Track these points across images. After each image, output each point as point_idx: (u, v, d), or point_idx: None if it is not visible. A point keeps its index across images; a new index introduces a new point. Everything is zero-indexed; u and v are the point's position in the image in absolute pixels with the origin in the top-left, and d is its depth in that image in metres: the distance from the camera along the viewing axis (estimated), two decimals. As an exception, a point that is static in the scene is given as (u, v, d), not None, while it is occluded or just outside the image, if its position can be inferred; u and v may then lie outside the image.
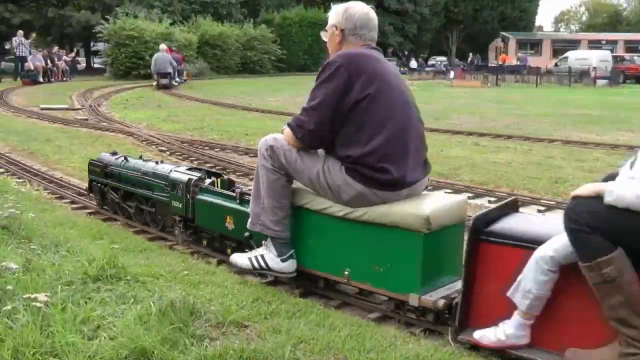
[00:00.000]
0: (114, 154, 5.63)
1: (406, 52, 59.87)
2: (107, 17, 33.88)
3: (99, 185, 5.54)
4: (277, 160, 3.56)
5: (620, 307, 2.54)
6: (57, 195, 6.23)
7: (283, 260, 3.65)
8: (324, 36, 3.70)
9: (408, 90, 3.64)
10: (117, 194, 5.32)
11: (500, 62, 46.00)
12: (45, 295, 2.83)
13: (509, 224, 3.07)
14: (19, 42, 28.07)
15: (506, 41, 56.34)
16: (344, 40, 3.59)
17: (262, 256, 3.70)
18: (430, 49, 66.10)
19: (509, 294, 2.85)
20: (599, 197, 2.54)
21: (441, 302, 3.13)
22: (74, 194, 6.28)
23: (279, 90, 25.89)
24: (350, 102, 3.33)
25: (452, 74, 37.97)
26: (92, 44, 49.17)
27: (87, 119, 14.14)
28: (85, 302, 3.08)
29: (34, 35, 31.74)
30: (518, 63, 45.09)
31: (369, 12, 3.65)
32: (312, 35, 47.44)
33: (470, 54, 54.65)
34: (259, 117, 15.56)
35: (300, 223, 3.69)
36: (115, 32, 31.73)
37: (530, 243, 2.84)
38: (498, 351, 2.90)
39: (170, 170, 4.76)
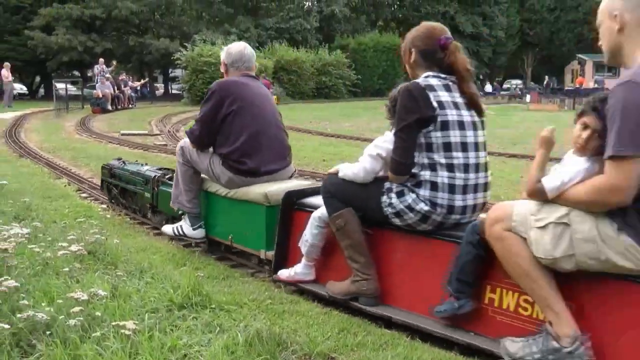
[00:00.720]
0: (119, 159, 7.04)
1: (481, 76, 59.26)
2: (185, 44, 34.89)
3: (107, 183, 6.97)
4: (186, 157, 4.95)
5: (348, 248, 3.66)
6: (138, 221, 6.32)
7: (194, 229, 4.99)
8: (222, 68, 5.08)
9: (270, 106, 4.98)
10: (117, 189, 6.70)
11: (576, 85, 44.92)
12: (133, 323, 2.83)
13: (312, 198, 4.21)
14: (100, 70, 29.01)
15: (582, 63, 54.93)
16: (228, 71, 5.01)
17: (180, 226, 5.06)
18: (505, 72, 65.19)
19: (299, 244, 3.99)
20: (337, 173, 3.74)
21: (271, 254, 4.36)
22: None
23: (354, 115, 25.92)
24: (222, 116, 4.70)
25: (528, 97, 37.31)
26: (170, 70, 50.68)
27: (165, 144, 14.44)
28: (172, 330, 3.08)
29: (114, 63, 32.82)
30: (595, 86, 43.91)
31: (244, 49, 5.00)
32: (387, 60, 47.62)
33: (546, 77, 53.60)
34: (335, 142, 15.52)
35: (206, 202, 5.06)
36: (192, 58, 32.57)
37: (314, 208, 3.97)
38: (292, 284, 4.10)
39: (146, 170, 6.15)
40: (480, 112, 3.54)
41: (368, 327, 3.48)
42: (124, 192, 6.55)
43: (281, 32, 45.10)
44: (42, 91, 49.64)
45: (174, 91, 49.94)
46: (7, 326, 2.64)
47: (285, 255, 4.25)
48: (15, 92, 32.91)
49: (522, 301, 3.07)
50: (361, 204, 3.64)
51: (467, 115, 3.45)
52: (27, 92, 49.61)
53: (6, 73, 29.05)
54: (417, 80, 3.45)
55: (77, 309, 2.84)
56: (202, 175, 5.02)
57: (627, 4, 2.68)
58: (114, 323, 2.84)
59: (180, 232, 5.06)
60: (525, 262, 2.87)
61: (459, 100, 3.45)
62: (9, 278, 3.10)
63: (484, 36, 56.32)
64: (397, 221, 3.51)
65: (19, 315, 2.77)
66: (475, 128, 3.48)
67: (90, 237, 4.40)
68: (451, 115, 3.38)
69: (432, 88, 3.39)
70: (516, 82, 58.46)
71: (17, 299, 3.03)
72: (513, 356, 2.90)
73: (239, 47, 5.02)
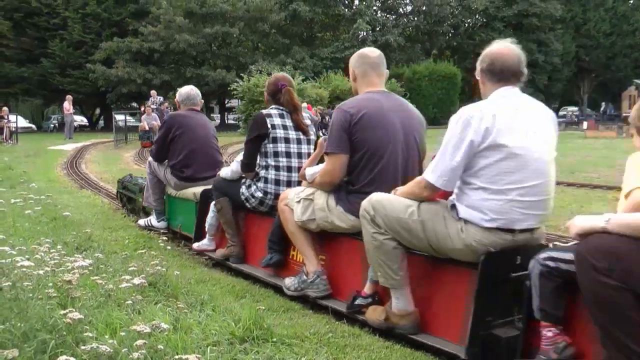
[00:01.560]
0: (130, 175, 8.99)
1: (536, 104, 58.52)
2: (242, 75, 35.43)
3: (120, 193, 8.93)
4: (151, 168, 6.92)
5: (224, 224, 5.55)
6: (196, 253, 6.35)
7: (159, 221, 7.03)
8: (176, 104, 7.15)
9: (205, 132, 6.72)
10: (125, 197, 8.57)
11: (635, 111, 43.81)
12: (196, 357, 2.80)
13: None
14: (152, 102, 29.34)
15: (640, 89, 53.74)
16: (179, 106, 6.92)
17: (149, 220, 7.09)
18: (561, 99, 64.20)
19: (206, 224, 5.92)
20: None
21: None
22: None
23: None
24: (170, 139, 6.61)
25: (585, 124, 36.60)
26: (226, 101, 51.51)
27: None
28: (234, 365, 3.04)
29: (171, 94, 33.58)
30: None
31: (190, 91, 6.88)
32: (442, 88, 47.50)
33: (603, 104, 52.55)
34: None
35: (167, 202, 7.05)
36: (249, 89, 33.04)
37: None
38: (200, 253, 6.05)
39: (141, 181, 7.88)
40: (304, 133, 5.31)
41: (433, 363, 3.39)
42: (129, 199, 8.40)
43: (336, 62, 45.48)
44: (102, 123, 51.19)
45: (230, 121, 50.66)
46: (71, 358, 2.64)
47: (202, 233, 6.02)
48: (76, 123, 33.91)
49: (299, 253, 4.71)
50: (231, 194, 5.46)
51: (293, 134, 5.24)
52: (87, 123, 51.17)
53: (68, 106, 29.96)
54: (261, 111, 5.35)
55: (140, 342, 2.83)
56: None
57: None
58: (176, 357, 2.81)
59: (149, 224, 7.08)
60: (291, 225, 4.53)
61: (289, 123, 5.25)
62: (74, 310, 3.12)
63: (539, 63, 55.62)
64: (247, 205, 5.31)
65: (82, 347, 2.76)
66: (299, 143, 5.26)
67: (151, 269, 4.42)
68: (280, 133, 5.18)
69: (270, 116, 5.22)
70: (572, 109, 57.48)
71: (81, 330, 3.04)
72: (287, 287, 4.58)
73: (186, 90, 6.93)
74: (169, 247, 5.66)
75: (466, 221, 3.36)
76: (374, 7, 54.78)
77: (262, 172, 5.20)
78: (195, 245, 6.01)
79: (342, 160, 4.12)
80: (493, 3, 54.50)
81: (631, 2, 60.40)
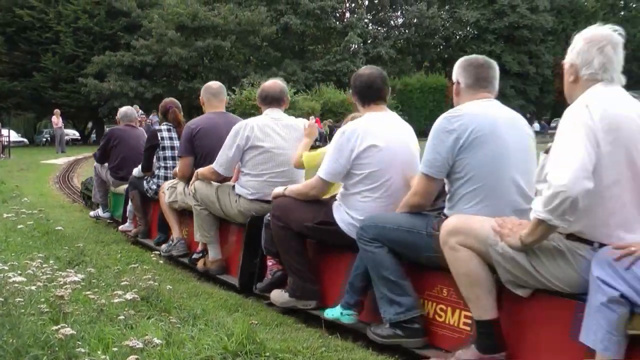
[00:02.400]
0: (91, 178, 10.18)
1: (528, 115, 58.70)
2: (234, 88, 35.48)
3: (82, 193, 11.49)
4: (96, 170, 8.73)
5: (134, 209, 7.60)
6: (189, 267, 6.33)
7: (104, 212, 8.78)
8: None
9: (137, 142, 8.05)
10: (86, 196, 10.54)
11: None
12: (188, 372, 2.80)
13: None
14: (155, 120, 29.47)
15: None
16: (119, 122, 8.66)
17: (98, 212, 8.90)
18: (552, 111, 64.41)
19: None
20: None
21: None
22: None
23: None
24: (109, 147, 8.23)
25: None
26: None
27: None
28: (227, 380, 3.03)
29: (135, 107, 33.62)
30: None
31: (126, 110, 8.80)
32: (434, 100, 47.73)
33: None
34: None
35: (111, 197, 8.74)
36: (240, 102, 33.09)
37: None
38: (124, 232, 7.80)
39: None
40: None
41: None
42: (89, 197, 10.03)
43: (328, 75, 45.65)
44: (93, 136, 50.99)
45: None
46: (64, 375, 2.64)
47: (126, 219, 7.91)
48: (67, 137, 33.85)
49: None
50: (139, 188, 7.28)
51: (176, 143, 6.74)
52: (79, 137, 51.01)
53: (56, 119, 29.99)
54: (154, 127, 7.33)
55: (132, 357, 2.83)
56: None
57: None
58: (169, 372, 2.81)
59: (97, 214, 8.91)
60: (164, 205, 6.47)
61: (174, 136, 6.93)
62: (66, 325, 3.11)
63: (530, 75, 55.97)
64: (147, 195, 7.16)
65: (75, 364, 2.76)
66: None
67: (144, 283, 4.41)
68: (167, 143, 6.93)
69: (160, 130, 7.03)
70: (564, 121, 57.58)
71: (74, 346, 3.03)
72: (162, 250, 6.30)
73: (124, 109, 8.86)
74: (161, 262, 5.64)
75: (239, 195, 5.20)
76: (365, 20, 55.08)
77: (157, 172, 7.05)
78: (120, 227, 8.01)
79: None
80: (484, 15, 54.84)
81: (622, 13, 60.84)
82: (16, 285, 3.54)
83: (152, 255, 5.78)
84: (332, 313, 4.01)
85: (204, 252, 5.68)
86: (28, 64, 42.86)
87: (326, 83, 43.22)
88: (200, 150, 5.84)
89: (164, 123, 7.07)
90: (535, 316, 3.12)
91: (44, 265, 4.48)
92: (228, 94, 31.88)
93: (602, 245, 2.83)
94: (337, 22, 51.61)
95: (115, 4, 42.84)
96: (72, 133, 49.63)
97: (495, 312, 3.14)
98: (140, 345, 2.97)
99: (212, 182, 5.38)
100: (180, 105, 7.24)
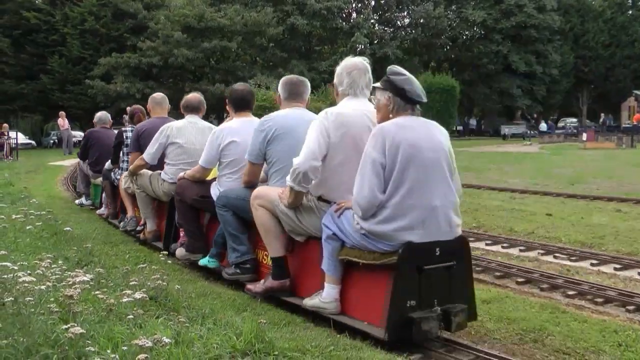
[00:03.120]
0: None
1: (535, 115, 58.53)
2: (240, 89, 35.45)
3: (73, 185, 12.86)
4: (79, 166, 11.43)
5: (107, 197, 9.45)
6: (197, 267, 6.34)
7: (86, 201, 10.84)
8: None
9: (110, 142, 9.04)
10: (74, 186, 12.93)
11: (634, 122, 43.94)
12: (197, 371, 2.80)
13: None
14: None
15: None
16: (95, 125, 10.67)
17: (82, 200, 10.92)
18: (560, 110, 64.25)
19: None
20: None
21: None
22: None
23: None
24: (89, 146, 10.28)
25: (584, 135, 36.60)
26: (225, 115, 51.38)
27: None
28: (236, 379, 3.03)
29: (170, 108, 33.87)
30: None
31: (102, 115, 10.75)
32: (441, 100, 47.57)
33: (602, 115, 52.53)
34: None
35: (93, 188, 10.65)
36: (247, 102, 33.04)
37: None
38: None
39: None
40: None
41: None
42: (74, 186, 12.81)
43: (335, 75, 45.55)
44: (101, 138, 50.90)
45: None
46: (74, 374, 2.65)
47: (101, 204, 9.64)
48: (75, 139, 33.93)
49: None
50: (109, 178, 8.78)
51: None
52: (87, 139, 50.93)
53: (62, 122, 30.09)
54: (121, 128, 8.85)
55: (142, 356, 2.83)
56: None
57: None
58: (178, 371, 2.81)
59: (82, 202, 10.90)
60: (122, 190, 7.89)
61: None
62: (75, 324, 3.12)
63: (537, 74, 55.73)
64: (115, 184, 8.51)
65: (85, 362, 2.77)
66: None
67: (152, 283, 4.42)
68: (130, 141, 7.92)
69: (126, 131, 8.41)
70: (571, 121, 57.48)
71: (83, 345, 3.04)
72: (120, 227, 8.23)
73: (100, 114, 10.72)
74: (169, 262, 5.65)
75: (164, 180, 6.77)
76: (372, 20, 55.00)
77: (122, 164, 8.42)
78: (97, 212, 9.84)
79: None
80: (491, 15, 54.69)
81: (630, 12, 60.53)
82: (26, 285, 3.55)
83: (160, 256, 5.78)
84: (203, 261, 5.73)
85: (145, 225, 7.32)
86: (35, 67, 43.01)
87: (333, 84, 43.16)
88: (145, 147, 7.04)
89: (130, 125, 8.76)
90: (307, 255, 4.70)
91: (53, 266, 4.49)
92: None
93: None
94: (344, 23, 51.56)
95: (121, 6, 42.91)
96: (80, 135, 49.71)
97: (283, 251, 4.75)
98: (150, 344, 2.97)
99: (145, 170, 7.08)
100: (144, 111, 8.81)
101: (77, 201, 11.28)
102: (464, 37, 60.16)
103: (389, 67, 4.27)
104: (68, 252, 5.94)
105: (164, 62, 41.11)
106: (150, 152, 6.82)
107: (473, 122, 51.32)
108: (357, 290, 4.25)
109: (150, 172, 7.07)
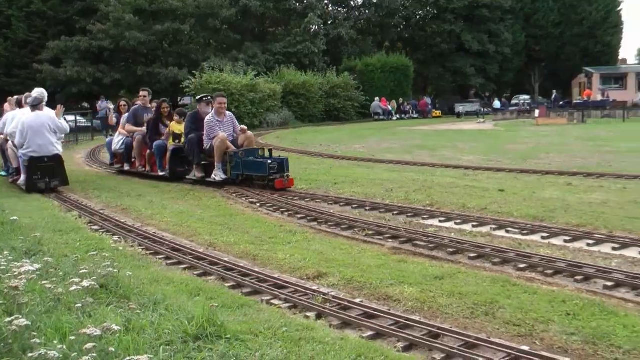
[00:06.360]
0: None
1: (488, 93, 59.22)
2: (194, 72, 35.08)
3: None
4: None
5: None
6: (151, 252, 6.27)
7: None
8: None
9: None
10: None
11: (584, 98, 44.79)
12: (148, 357, 2.76)
13: None
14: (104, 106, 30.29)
15: (589, 76, 54.84)
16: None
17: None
18: (513, 89, 65.08)
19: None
20: None
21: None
22: (168, 250, 6.36)
23: (364, 136, 25.89)
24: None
25: (536, 112, 37.15)
26: (179, 98, 50.77)
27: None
28: (187, 363, 3.01)
29: (122, 93, 33.59)
30: (606, 98, 43.73)
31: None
32: (395, 80, 47.79)
33: (554, 92, 53.39)
34: (346, 165, 15.41)
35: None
36: (201, 86, 32.72)
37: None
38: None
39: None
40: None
41: (384, 352, 3.42)
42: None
43: (289, 57, 45.30)
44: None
45: (183, 119, 49.99)
46: (18, 366, 2.59)
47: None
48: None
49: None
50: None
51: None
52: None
53: (8, 107, 29.40)
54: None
55: (90, 345, 2.78)
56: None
57: None
58: (128, 358, 2.78)
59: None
60: None
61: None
62: (20, 316, 3.04)
63: (490, 53, 56.33)
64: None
65: (30, 355, 2.71)
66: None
67: (103, 271, 4.35)
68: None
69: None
70: (524, 98, 58.24)
71: (29, 337, 2.97)
72: None
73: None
74: (120, 248, 5.57)
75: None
76: (325, 1, 54.70)
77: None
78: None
79: None
80: (444, -6, 54.97)
81: (579, -9, 61.40)
82: (-32, 277, 3.46)
83: (111, 243, 5.70)
84: None
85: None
86: (-21, 50, 41.78)
87: (287, 65, 42.93)
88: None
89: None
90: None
91: (-2, 256, 4.39)
92: (188, 79, 31.87)
93: None
94: (297, 4, 51.11)
95: (69, -12, 41.91)
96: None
97: None
98: (98, 333, 2.93)
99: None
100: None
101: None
102: (418, 16, 60.29)
103: None
104: (15, 242, 5.81)
105: (115, 45, 40.23)
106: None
107: (428, 100, 51.79)
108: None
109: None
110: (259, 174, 10.88)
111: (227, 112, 12.21)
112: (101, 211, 9.09)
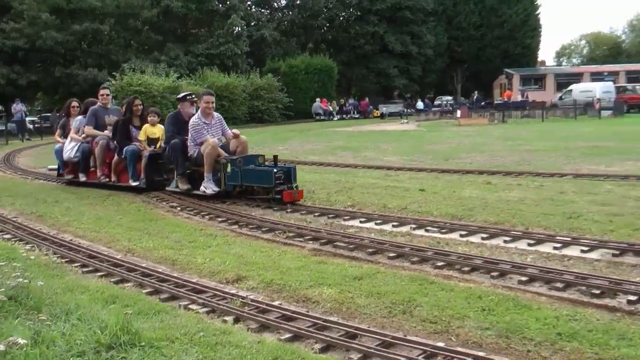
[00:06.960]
0: None
1: (411, 94, 60.25)
2: (114, 73, 34.34)
3: None
4: None
5: None
6: (67, 259, 6.11)
7: None
8: None
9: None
10: None
11: (504, 99, 46.13)
12: (56, 370, 2.69)
13: None
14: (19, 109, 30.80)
15: (510, 77, 56.60)
16: None
17: None
18: (436, 89, 66.46)
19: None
20: None
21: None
22: (84, 257, 6.21)
23: (288, 138, 25.92)
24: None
25: (458, 113, 37.99)
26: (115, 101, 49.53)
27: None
28: (98, 374, 2.95)
29: (39, 95, 32.71)
30: (525, 99, 45.19)
31: None
32: (319, 81, 48.03)
33: (475, 92, 54.81)
34: (268, 166, 15.35)
35: None
36: (122, 87, 32.08)
37: None
38: None
39: None
40: None
41: (301, 354, 3.45)
42: None
43: (212, 58, 44.94)
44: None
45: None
46: None
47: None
48: None
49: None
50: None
51: None
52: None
53: None
54: None
55: (-7, 360, 2.69)
56: None
57: None
58: (34, 372, 2.70)
59: None
60: None
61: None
62: None
63: (413, 54, 57.40)
64: None
65: None
66: None
67: (12, 282, 4.20)
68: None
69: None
70: (447, 99, 59.57)
71: None
72: None
73: None
74: (32, 257, 5.39)
75: None
76: (248, 2, 54.52)
77: None
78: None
79: None
80: (367, -4, 55.65)
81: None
82: None
83: (22, 252, 5.51)
84: None
85: None
86: None
87: (210, 67, 42.59)
88: None
89: None
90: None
91: None
92: (108, 80, 31.45)
93: None
94: (220, 5, 50.72)
95: (-20, -16, 40.28)
96: None
97: None
98: (2, 348, 2.83)
99: None
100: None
101: None
102: (341, 18, 60.87)
103: None
104: None
105: (30, 45, 38.86)
106: None
107: (351, 102, 52.35)
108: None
109: None
110: (262, 185, 9.45)
111: (215, 113, 10.58)
112: (14, 219, 8.77)
